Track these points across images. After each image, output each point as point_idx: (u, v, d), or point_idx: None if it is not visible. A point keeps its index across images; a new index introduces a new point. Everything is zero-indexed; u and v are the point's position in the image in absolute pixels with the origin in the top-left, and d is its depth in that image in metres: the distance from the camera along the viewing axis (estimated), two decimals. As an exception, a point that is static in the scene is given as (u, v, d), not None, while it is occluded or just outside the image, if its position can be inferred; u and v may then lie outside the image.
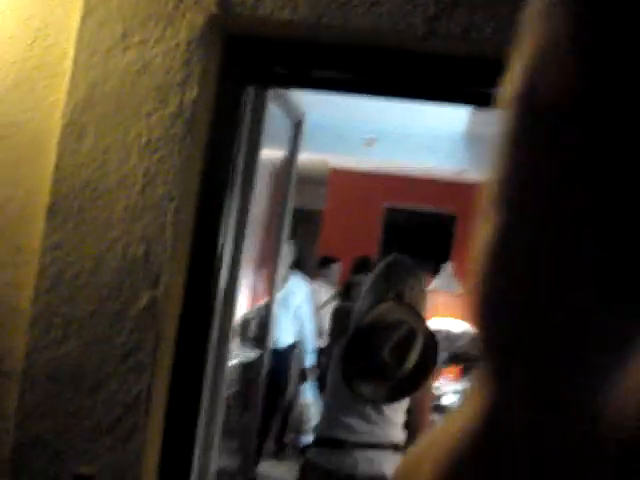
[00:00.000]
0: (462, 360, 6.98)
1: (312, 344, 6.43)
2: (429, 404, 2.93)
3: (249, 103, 2.31)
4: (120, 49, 2.07)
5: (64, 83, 2.11)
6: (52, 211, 2.07)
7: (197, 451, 2.22)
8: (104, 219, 2.05)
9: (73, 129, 2.07)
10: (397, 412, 2.85)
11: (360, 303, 2.99)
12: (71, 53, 2.10)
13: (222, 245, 2.23)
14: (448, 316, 7.44)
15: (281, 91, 2.61)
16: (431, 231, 8.14)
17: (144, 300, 2.01)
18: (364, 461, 2.77)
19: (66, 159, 2.07)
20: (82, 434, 1.99)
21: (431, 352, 2.89)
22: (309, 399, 6.50)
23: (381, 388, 2.77)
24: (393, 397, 2.80)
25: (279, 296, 3.70)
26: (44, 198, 2.10)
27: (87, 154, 2.06)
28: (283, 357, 6.03)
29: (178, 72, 2.05)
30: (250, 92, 2.30)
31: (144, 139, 2.05)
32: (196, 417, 2.20)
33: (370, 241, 7.82)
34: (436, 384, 6.80)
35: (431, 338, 2.92)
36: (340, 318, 3.06)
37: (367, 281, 3.08)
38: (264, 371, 3.16)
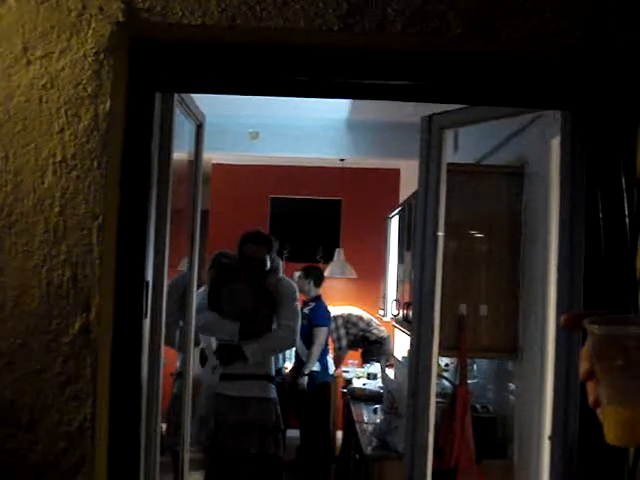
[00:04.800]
0: (361, 344, 7.08)
1: None
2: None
3: (158, 109, 2.24)
4: (22, 64, 1.96)
5: (-38, 104, 1.97)
6: (-36, 242, 1.93)
7: (142, 474, 2.16)
8: (23, 244, 1.94)
9: (-21, 153, 1.94)
10: (267, 356, 4.40)
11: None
12: (-33, 72, 1.97)
13: (147, 260, 2.16)
14: (345, 301, 7.54)
15: (183, 95, 2.56)
16: (318, 218, 8.20)
17: (76, 326, 1.92)
18: (248, 386, 4.24)
19: (-26, 185, 1.94)
20: (26, 471, 1.89)
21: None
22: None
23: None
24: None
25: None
26: (-48, 229, 1.96)
27: (-3, 178, 1.94)
28: None
29: (88, 84, 1.96)
30: (158, 98, 2.24)
31: (59, 157, 1.95)
32: (138, 440, 2.13)
33: (259, 234, 7.76)
34: (344, 369, 6.89)
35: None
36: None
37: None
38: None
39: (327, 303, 6.56)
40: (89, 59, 1.96)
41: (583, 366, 0.89)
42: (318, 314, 6.34)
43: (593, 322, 0.88)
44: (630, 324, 0.87)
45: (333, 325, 6.74)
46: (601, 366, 0.87)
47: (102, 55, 1.96)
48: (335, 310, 6.93)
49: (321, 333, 6.23)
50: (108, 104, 1.96)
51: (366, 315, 7.16)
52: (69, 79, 1.96)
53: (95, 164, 1.95)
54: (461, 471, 3.50)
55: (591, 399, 0.90)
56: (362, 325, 7.04)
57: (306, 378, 6.17)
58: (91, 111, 1.96)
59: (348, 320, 7.02)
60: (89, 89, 1.96)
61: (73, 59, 1.96)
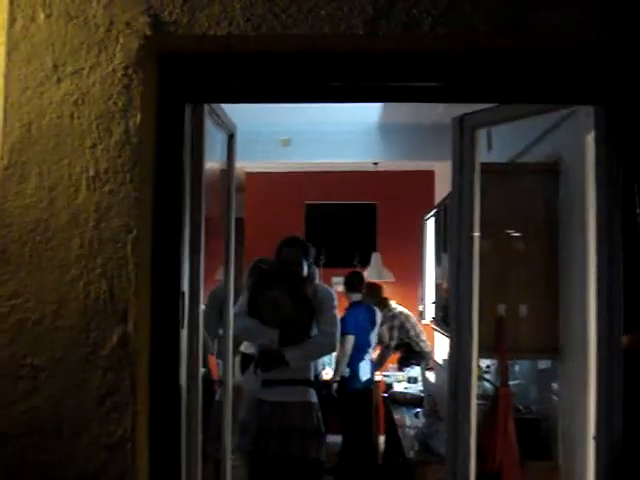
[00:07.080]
0: (403, 348, 7.01)
1: None
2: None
3: (189, 121, 2.26)
4: (53, 81, 1.99)
5: (-4, 123, 2.01)
6: (3, 259, 1.96)
7: (183, 483, 2.16)
8: (60, 259, 1.96)
9: (14, 171, 1.97)
10: (307, 362, 4.41)
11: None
12: (-1, 91, 2.00)
13: (182, 270, 2.17)
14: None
15: (214, 105, 2.57)
16: (354, 223, 8.19)
17: (114, 338, 1.94)
18: (290, 391, 4.30)
19: (10, 203, 1.97)
20: (68, 485, 1.91)
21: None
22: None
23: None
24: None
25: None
26: (-11, 246, 2.00)
27: (32, 195, 1.97)
28: None
29: (118, 98, 1.98)
30: (188, 109, 2.25)
31: (91, 172, 1.97)
32: (179, 450, 2.14)
33: (295, 241, 7.76)
34: (385, 373, 6.85)
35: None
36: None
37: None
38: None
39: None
40: (118, 74, 1.98)
41: None
42: (345, 322, 6.27)
43: None
44: None
45: (389, 323, 6.73)
46: None
47: (131, 69, 1.98)
48: (396, 308, 6.89)
49: (346, 341, 6.20)
50: (139, 117, 1.98)
51: (419, 327, 7.05)
52: (99, 94, 1.98)
53: (127, 178, 1.97)
54: (505, 473, 3.45)
55: None
56: (412, 334, 6.95)
57: (334, 385, 6.23)
58: (122, 125, 1.98)
59: (403, 325, 6.92)
60: (119, 103, 1.98)
61: (103, 74, 1.99)
